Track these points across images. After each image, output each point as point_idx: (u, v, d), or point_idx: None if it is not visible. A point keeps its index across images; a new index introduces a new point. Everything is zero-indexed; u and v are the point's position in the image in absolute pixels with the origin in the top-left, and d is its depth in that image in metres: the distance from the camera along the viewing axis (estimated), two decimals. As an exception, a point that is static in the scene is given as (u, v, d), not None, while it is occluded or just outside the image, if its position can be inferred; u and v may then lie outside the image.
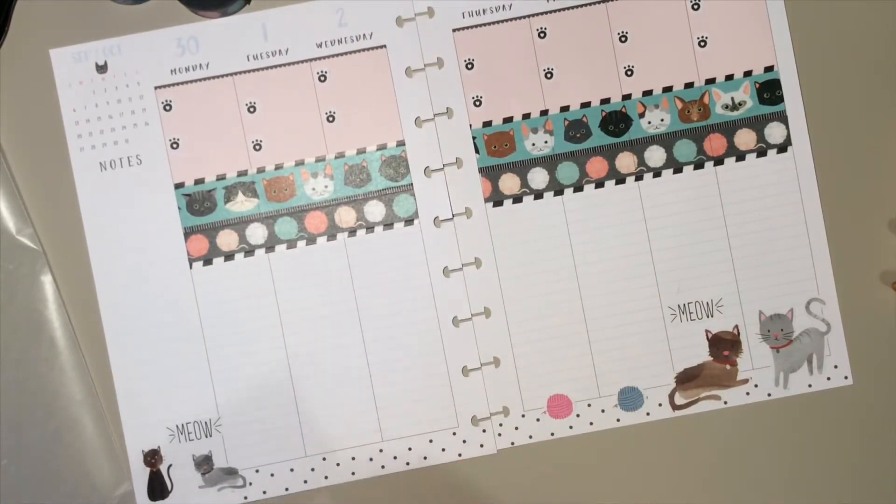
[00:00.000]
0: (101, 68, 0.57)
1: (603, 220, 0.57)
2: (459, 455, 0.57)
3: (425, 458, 0.57)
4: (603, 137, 0.57)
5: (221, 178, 0.57)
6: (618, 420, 0.57)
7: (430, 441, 0.57)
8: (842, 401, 0.57)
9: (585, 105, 0.57)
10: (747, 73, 0.57)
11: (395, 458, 0.57)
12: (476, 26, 0.57)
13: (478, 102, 0.57)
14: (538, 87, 0.57)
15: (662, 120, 0.57)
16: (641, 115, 0.57)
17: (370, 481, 0.57)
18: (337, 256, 0.57)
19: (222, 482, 0.56)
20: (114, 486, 0.56)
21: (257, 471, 0.56)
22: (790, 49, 0.57)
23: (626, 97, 0.57)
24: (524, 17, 0.57)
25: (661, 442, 0.57)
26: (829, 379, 0.57)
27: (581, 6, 0.57)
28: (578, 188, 0.57)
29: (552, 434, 0.57)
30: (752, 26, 0.57)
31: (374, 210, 0.57)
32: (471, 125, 0.57)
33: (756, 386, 0.57)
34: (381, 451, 0.57)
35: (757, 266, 0.57)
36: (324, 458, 0.57)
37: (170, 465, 0.56)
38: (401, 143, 0.57)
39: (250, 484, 0.56)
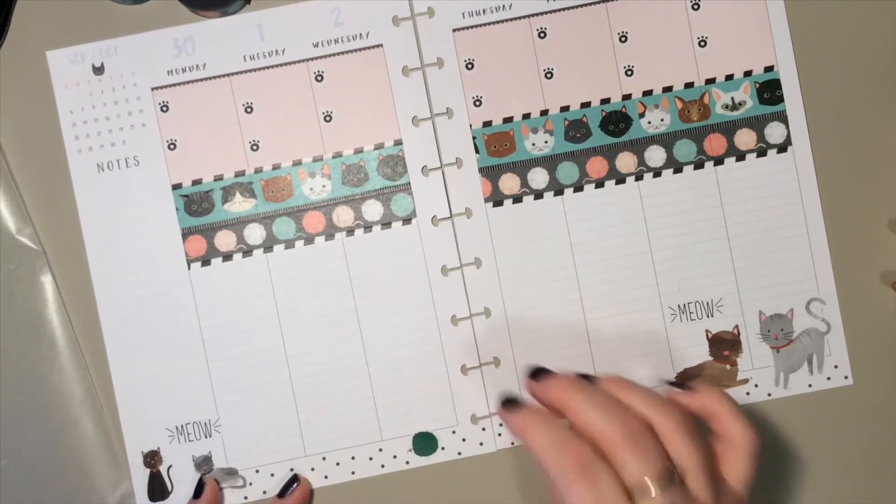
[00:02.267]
0: (98, 70, 0.56)
1: (603, 220, 0.57)
2: (459, 454, 0.57)
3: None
4: (603, 137, 0.57)
5: (219, 178, 0.57)
6: (617, 420, 0.57)
7: (430, 441, 0.57)
8: (842, 401, 0.57)
9: (585, 105, 0.57)
10: (747, 73, 0.56)
11: (394, 457, 0.57)
12: (476, 26, 0.56)
13: (478, 102, 0.57)
14: (538, 87, 0.57)
15: (662, 120, 0.57)
16: (641, 115, 0.57)
17: (370, 481, 0.57)
18: (335, 256, 0.57)
19: (222, 482, 0.56)
20: (114, 486, 0.56)
21: (257, 471, 0.57)
22: (790, 49, 0.56)
23: (626, 97, 0.57)
24: (524, 17, 0.56)
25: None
26: (829, 379, 0.57)
27: (581, 6, 0.56)
28: (578, 188, 0.57)
29: (552, 434, 0.57)
30: (752, 26, 0.56)
31: (372, 209, 0.57)
32: (471, 125, 0.57)
33: (756, 386, 0.57)
34: (380, 450, 0.57)
35: (757, 266, 0.57)
36: (324, 458, 0.57)
37: (170, 466, 0.56)
38: (398, 143, 0.57)
39: (250, 484, 0.57)
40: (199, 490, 0.55)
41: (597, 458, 0.42)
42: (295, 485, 0.55)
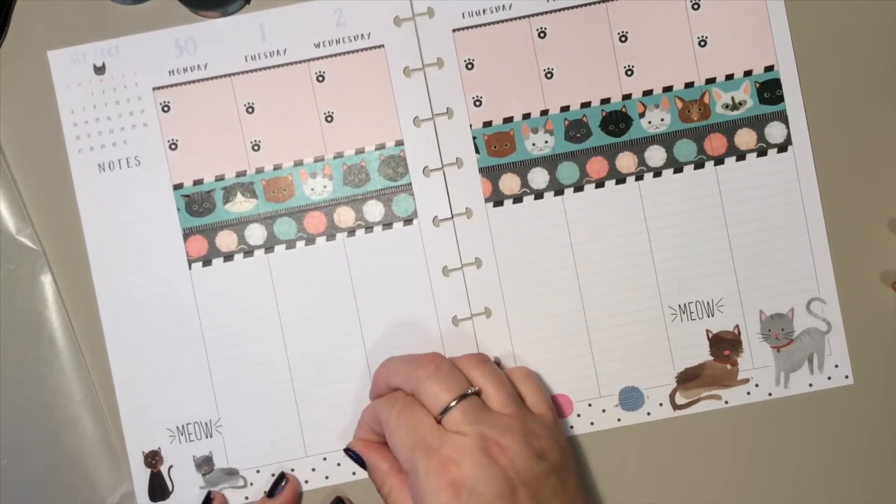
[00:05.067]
0: (99, 70, 0.56)
1: (603, 220, 0.57)
2: (459, 455, 0.57)
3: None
4: (603, 137, 0.57)
5: (220, 178, 0.57)
6: (618, 420, 0.57)
7: (431, 441, 0.57)
8: (842, 400, 0.57)
9: (585, 105, 0.57)
10: (747, 73, 0.57)
11: (395, 457, 0.57)
12: (476, 26, 0.57)
13: (478, 102, 0.57)
14: (538, 87, 0.57)
15: (662, 120, 0.57)
16: (641, 115, 0.57)
17: (371, 482, 0.56)
18: (336, 256, 0.57)
19: (223, 483, 0.56)
20: (114, 486, 0.56)
21: (258, 471, 0.56)
22: (790, 49, 0.56)
23: (627, 97, 0.57)
24: (524, 17, 0.57)
25: (661, 442, 0.57)
26: (829, 378, 0.57)
27: (581, 6, 0.57)
28: (579, 188, 0.57)
29: (552, 434, 0.57)
30: (752, 26, 0.57)
31: (373, 210, 0.57)
32: (471, 125, 0.57)
33: (757, 386, 0.57)
34: (381, 450, 0.57)
35: (757, 266, 0.57)
36: (324, 458, 0.57)
37: (170, 466, 0.56)
38: (399, 143, 0.57)
39: (251, 484, 0.56)
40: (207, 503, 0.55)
41: (408, 398, 0.50)
42: (284, 482, 0.55)
